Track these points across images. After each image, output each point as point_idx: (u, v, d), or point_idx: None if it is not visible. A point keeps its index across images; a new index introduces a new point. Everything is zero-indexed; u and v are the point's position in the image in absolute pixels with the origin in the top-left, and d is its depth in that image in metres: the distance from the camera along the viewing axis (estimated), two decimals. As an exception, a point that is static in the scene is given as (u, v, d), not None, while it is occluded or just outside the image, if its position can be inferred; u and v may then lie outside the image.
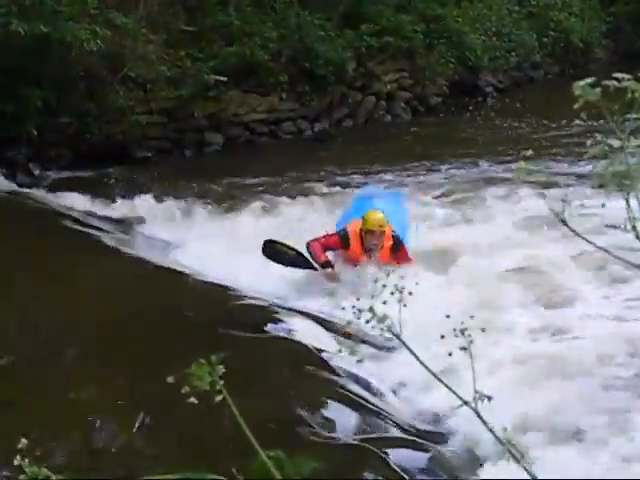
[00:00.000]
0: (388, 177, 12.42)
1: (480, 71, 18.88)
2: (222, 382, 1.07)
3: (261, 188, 11.90)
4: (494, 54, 19.51)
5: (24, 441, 1.35)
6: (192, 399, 1.09)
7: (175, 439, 4.34)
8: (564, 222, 1.13)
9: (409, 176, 12.53)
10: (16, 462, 1.31)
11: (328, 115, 16.07)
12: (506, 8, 20.76)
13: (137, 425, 4.38)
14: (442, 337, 1.30)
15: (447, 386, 1.29)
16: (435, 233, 8.88)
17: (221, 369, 1.07)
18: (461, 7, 19.33)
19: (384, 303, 1.33)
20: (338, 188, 11.57)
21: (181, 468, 1.20)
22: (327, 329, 6.28)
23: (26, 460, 1.31)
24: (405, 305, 1.24)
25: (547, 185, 9.69)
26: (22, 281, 6.94)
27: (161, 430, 4.45)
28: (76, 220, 9.50)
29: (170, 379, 1.15)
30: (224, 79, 14.17)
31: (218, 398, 1.08)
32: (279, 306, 6.83)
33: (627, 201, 1.11)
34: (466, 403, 1.24)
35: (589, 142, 1.12)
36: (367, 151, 14.27)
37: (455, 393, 1.26)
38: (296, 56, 15.34)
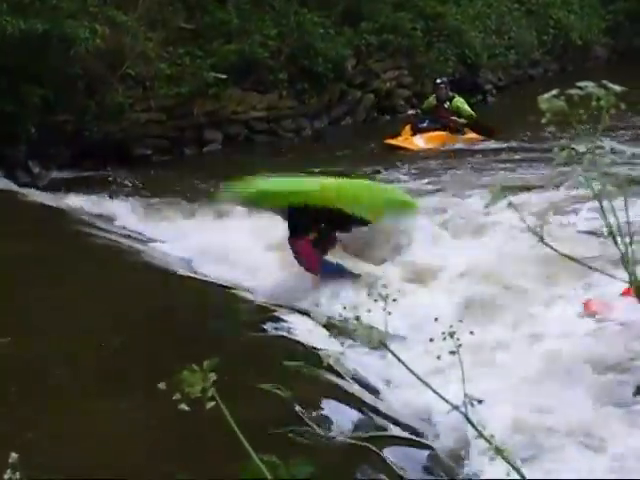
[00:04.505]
0: (387, 174, 12.43)
1: (480, 69, 18.87)
2: (214, 389, 1.07)
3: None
4: (493, 52, 19.50)
5: (14, 455, 1.34)
6: (183, 406, 1.09)
7: (171, 439, 4.34)
8: (542, 240, 1.13)
9: (405, 174, 12.55)
10: (6, 476, 1.30)
11: (327, 113, 16.07)
12: (505, 6, 20.73)
13: (131, 426, 4.39)
14: (431, 340, 1.30)
15: (435, 392, 1.29)
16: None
17: (213, 376, 1.07)
18: (460, 5, 19.33)
19: (369, 311, 1.33)
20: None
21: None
22: (326, 328, 6.28)
23: (17, 473, 1.30)
24: (390, 313, 1.24)
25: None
26: (22, 281, 6.94)
27: (156, 431, 4.45)
28: (74, 218, 9.50)
29: (162, 385, 1.15)
30: (223, 77, 14.17)
31: (210, 405, 1.08)
32: (277, 305, 6.84)
33: (601, 207, 1.10)
34: (456, 408, 1.24)
35: (555, 149, 1.11)
36: (366, 148, 14.28)
37: (444, 398, 1.26)
38: (295, 54, 15.33)
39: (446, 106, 14.54)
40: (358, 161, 13.19)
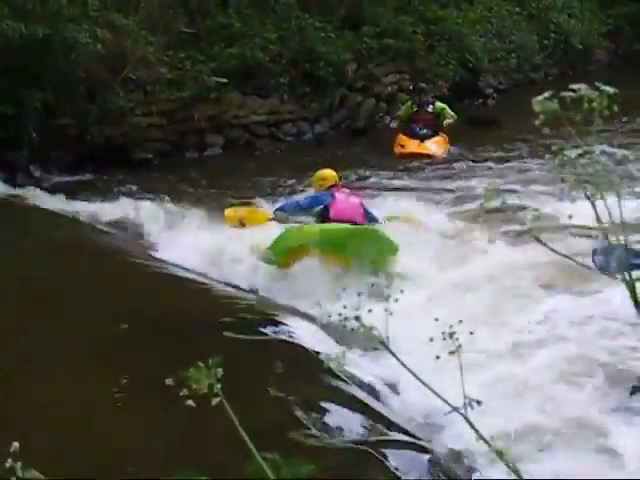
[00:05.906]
0: (385, 178, 12.46)
1: (480, 73, 18.87)
2: (219, 385, 1.09)
3: (261, 190, 11.91)
4: (494, 56, 19.51)
5: (16, 445, 1.35)
6: (190, 402, 1.10)
7: (173, 441, 4.35)
8: (537, 238, 1.14)
9: (404, 178, 12.59)
10: (8, 465, 1.30)
11: (328, 117, 16.07)
12: (506, 10, 20.75)
13: (133, 427, 4.39)
14: (431, 340, 1.31)
15: (435, 393, 1.30)
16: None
17: (219, 372, 1.08)
18: (461, 9, 19.34)
19: (370, 311, 1.34)
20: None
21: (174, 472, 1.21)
22: (325, 329, 6.29)
23: (18, 463, 1.30)
24: (391, 313, 1.25)
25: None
26: (23, 279, 6.95)
27: (158, 432, 4.46)
28: (75, 221, 9.52)
29: (169, 382, 1.16)
30: (224, 81, 14.18)
31: (215, 401, 1.09)
32: (278, 307, 6.85)
33: (593, 206, 1.11)
34: (455, 409, 1.25)
35: (547, 155, 1.12)
36: (367, 153, 14.29)
37: (443, 399, 1.27)
38: (296, 58, 15.34)
39: (430, 109, 14.54)
40: (360, 165, 13.21)
